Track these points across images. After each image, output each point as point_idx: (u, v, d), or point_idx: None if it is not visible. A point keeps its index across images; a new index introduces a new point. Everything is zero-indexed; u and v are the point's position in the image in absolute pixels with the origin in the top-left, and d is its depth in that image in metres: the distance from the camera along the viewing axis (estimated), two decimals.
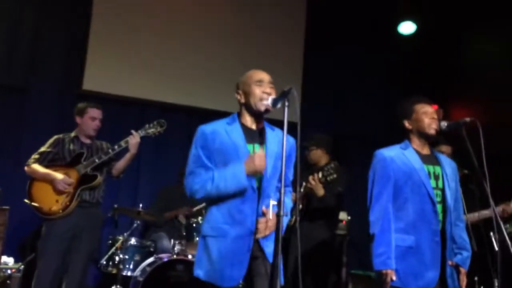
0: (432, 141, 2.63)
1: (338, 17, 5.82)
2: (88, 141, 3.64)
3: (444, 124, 2.53)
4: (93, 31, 5.10)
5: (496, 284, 2.08)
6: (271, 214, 2.09)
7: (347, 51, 5.84)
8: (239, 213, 2.15)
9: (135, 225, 4.11)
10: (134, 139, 3.55)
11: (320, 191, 3.67)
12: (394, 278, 2.36)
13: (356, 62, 5.88)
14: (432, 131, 2.52)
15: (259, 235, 2.12)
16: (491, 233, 2.20)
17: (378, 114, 5.84)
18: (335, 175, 3.57)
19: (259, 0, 5.72)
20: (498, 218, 2.19)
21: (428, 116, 2.53)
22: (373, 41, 5.85)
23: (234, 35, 5.57)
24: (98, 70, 5.08)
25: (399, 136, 2.72)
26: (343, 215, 4.95)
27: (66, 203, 3.41)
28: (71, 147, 3.55)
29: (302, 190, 3.80)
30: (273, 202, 2.11)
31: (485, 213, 3.47)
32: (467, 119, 2.42)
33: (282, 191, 1.97)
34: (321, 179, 3.60)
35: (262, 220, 2.13)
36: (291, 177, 2.35)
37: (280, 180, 2.22)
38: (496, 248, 2.12)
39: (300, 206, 3.88)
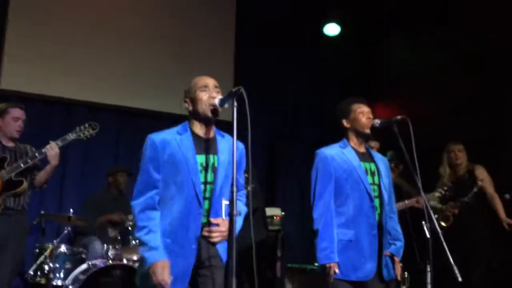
0: (368, 139, 2.77)
1: (267, 20, 5.90)
2: (10, 144, 3.38)
3: (377, 121, 2.67)
4: (11, 25, 4.75)
5: (429, 268, 2.26)
6: (223, 214, 2.09)
7: (277, 53, 5.96)
8: (182, 227, 2.11)
9: (65, 232, 3.90)
10: (51, 151, 3.27)
11: None
12: (337, 271, 2.47)
13: (286, 63, 6.03)
14: (368, 130, 2.66)
15: (213, 239, 2.13)
16: (423, 222, 2.37)
17: (308, 113, 6.04)
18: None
19: (190, 4, 5.63)
20: (429, 208, 2.37)
21: (364, 115, 2.67)
22: (301, 42, 6.03)
23: (164, 35, 5.46)
24: (18, 68, 4.75)
25: (331, 133, 2.85)
26: (277, 211, 5.07)
27: None
28: None
29: None
30: (225, 202, 2.11)
31: (411, 201, 3.77)
32: (399, 117, 2.56)
33: (234, 189, 1.97)
34: None
35: (214, 228, 2.13)
36: (242, 182, 2.36)
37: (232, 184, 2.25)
38: (428, 236, 2.30)
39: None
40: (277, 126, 5.97)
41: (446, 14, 4.92)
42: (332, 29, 5.95)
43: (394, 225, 2.67)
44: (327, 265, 2.48)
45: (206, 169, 2.17)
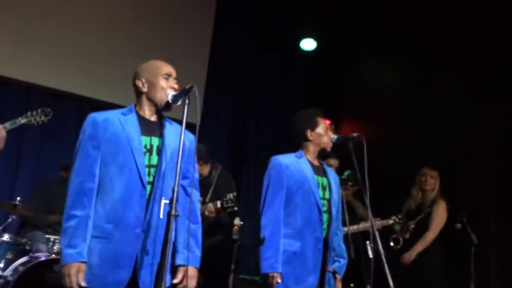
0: (325, 154, 2.77)
1: (245, 26, 5.89)
2: None
3: (333, 137, 2.68)
4: None
5: None
6: (161, 214, 2.01)
7: (252, 61, 5.95)
8: (125, 211, 1.99)
9: (9, 219, 3.74)
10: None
11: (220, 215, 3.76)
12: (279, 280, 2.45)
13: (259, 73, 6.04)
14: (329, 148, 2.68)
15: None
16: (367, 242, 2.37)
17: (276, 123, 6.03)
18: (235, 208, 3.63)
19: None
20: (375, 228, 2.37)
21: (328, 131, 2.68)
22: (277, 54, 6.04)
23: (135, 26, 5.29)
24: None
25: (295, 144, 2.81)
26: (235, 220, 5.01)
27: None
28: None
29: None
30: (165, 201, 2.02)
31: (364, 225, 3.76)
32: (355, 134, 2.58)
33: (176, 189, 1.89)
34: (219, 208, 3.63)
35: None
36: (197, 175, 2.24)
37: (184, 178, 2.15)
38: (371, 256, 2.30)
39: None
40: (241, 135, 5.93)
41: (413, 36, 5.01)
42: (308, 44, 5.99)
43: (339, 242, 2.67)
44: (270, 274, 2.46)
45: (150, 151, 2.07)
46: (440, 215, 3.93)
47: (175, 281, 2.06)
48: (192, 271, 2.08)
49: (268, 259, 2.46)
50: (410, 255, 3.85)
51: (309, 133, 2.67)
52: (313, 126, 2.67)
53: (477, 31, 4.41)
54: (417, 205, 4.08)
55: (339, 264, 2.62)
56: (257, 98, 6.11)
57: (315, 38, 5.96)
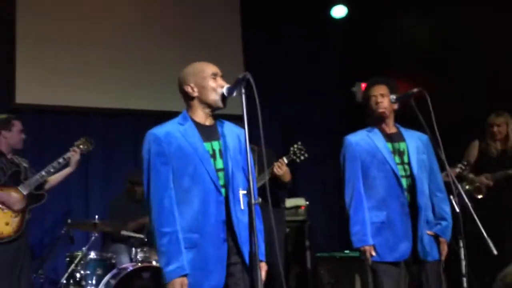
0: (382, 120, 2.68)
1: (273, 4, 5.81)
2: (10, 156, 3.40)
3: (393, 97, 2.61)
4: (20, 39, 4.79)
5: (461, 244, 2.19)
6: (242, 205, 2.04)
7: (284, 38, 5.84)
8: (207, 218, 2.01)
9: (93, 238, 3.92)
10: (76, 156, 3.46)
11: (288, 176, 3.58)
12: (373, 253, 2.47)
13: (294, 48, 5.89)
14: (377, 114, 2.62)
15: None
16: (451, 196, 2.30)
17: (324, 99, 5.92)
18: (306, 155, 3.54)
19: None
20: (456, 181, 2.29)
21: (376, 98, 2.61)
22: (308, 25, 5.89)
23: (171, 33, 5.43)
24: (31, 82, 4.78)
25: (347, 119, 2.78)
26: (301, 201, 5.02)
27: (18, 224, 3.21)
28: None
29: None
30: (242, 192, 2.05)
31: None
32: (415, 90, 2.50)
33: (250, 178, 1.92)
34: (291, 159, 3.51)
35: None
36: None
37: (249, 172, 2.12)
38: (458, 210, 2.23)
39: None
40: (292, 114, 5.82)
41: None
42: (339, 11, 5.83)
43: (439, 204, 2.59)
44: (362, 248, 2.50)
45: (214, 156, 2.10)
46: None
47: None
48: (264, 265, 2.10)
49: (356, 234, 2.52)
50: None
51: (366, 108, 2.70)
52: (365, 100, 2.69)
53: None
54: (498, 152, 3.94)
55: (441, 226, 2.54)
56: (294, 77, 5.94)
57: (345, 4, 5.79)
